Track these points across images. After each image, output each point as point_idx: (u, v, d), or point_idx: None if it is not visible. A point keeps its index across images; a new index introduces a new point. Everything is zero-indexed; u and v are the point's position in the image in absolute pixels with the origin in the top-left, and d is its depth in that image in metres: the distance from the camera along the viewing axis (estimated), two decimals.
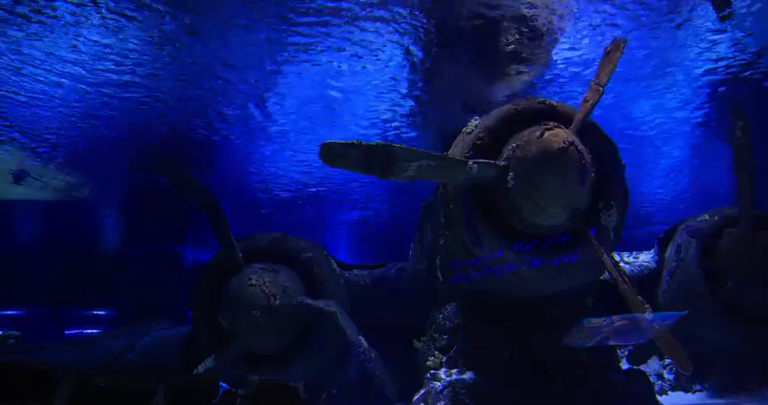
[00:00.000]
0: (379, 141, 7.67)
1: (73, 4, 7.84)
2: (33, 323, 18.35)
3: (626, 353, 9.56)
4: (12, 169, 12.58)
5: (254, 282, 8.71)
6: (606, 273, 7.58)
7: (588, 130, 7.63)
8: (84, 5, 7.90)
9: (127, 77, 9.69)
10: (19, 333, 11.67)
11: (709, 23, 9.38)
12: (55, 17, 8.12)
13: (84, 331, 18.12)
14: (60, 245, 17.06)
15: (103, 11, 8.03)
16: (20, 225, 15.95)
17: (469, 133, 7.97)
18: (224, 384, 7.56)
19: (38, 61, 9.12)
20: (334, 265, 9.79)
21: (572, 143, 7.09)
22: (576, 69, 10.38)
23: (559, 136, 7.07)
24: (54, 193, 13.87)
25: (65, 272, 17.03)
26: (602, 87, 7.50)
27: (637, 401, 8.33)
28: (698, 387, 10.34)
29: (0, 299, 17.28)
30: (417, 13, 8.66)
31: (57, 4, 7.85)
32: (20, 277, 17.08)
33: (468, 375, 8.20)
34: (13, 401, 4.34)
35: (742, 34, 9.70)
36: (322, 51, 9.35)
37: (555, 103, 7.95)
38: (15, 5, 7.79)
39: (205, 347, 9.07)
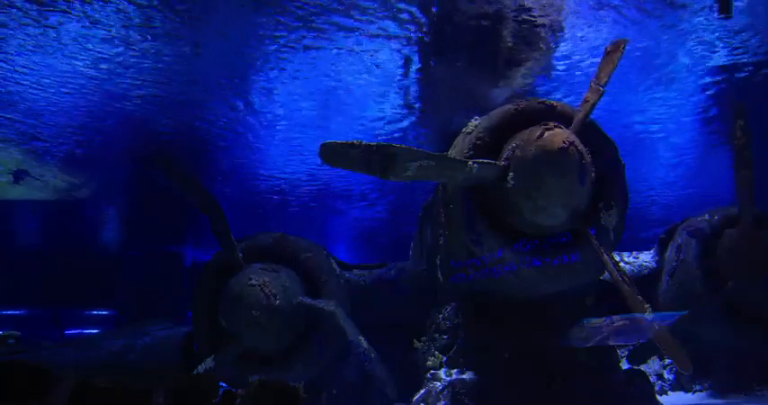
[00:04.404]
0: (379, 141, 7.66)
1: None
2: (33, 323, 18.33)
3: (626, 353, 9.57)
4: (12, 169, 12.56)
5: (254, 282, 8.71)
6: (606, 273, 7.59)
7: (588, 130, 7.64)
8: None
9: (130, 77, 9.70)
10: (19, 333, 11.65)
11: (710, 22, 9.38)
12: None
13: (84, 331, 18.10)
14: (60, 245, 17.04)
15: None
16: (20, 225, 15.92)
17: (469, 133, 7.98)
18: (224, 384, 7.55)
19: (41, 62, 9.12)
20: (334, 265, 9.79)
21: (572, 143, 7.09)
22: (575, 70, 10.37)
23: (559, 136, 7.08)
24: (54, 193, 13.84)
25: (65, 272, 16.99)
26: (603, 87, 7.51)
27: (637, 401, 8.34)
28: (698, 387, 10.34)
29: (0, 299, 17.26)
30: (418, 13, 8.66)
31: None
32: (19, 277, 17.05)
33: (468, 375, 8.20)
34: (13, 401, 4.33)
35: (744, 34, 9.70)
36: (322, 49, 9.34)
37: (555, 104, 7.96)
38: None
39: (205, 347, 9.08)
